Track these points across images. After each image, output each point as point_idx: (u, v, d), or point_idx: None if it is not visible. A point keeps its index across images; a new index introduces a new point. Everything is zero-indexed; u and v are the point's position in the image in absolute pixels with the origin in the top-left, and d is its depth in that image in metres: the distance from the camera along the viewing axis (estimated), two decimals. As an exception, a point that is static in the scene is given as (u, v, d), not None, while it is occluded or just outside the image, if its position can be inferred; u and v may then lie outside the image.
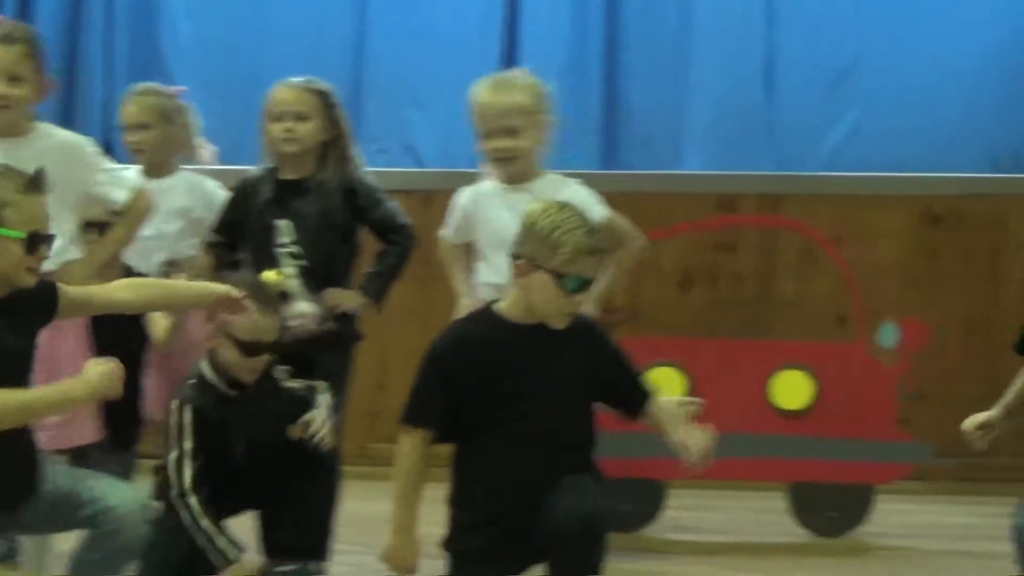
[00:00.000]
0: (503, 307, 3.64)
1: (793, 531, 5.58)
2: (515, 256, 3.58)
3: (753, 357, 5.99)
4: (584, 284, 3.61)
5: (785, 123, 7.84)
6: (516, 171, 4.54)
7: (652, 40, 7.82)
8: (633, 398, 3.69)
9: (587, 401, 3.60)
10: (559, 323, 3.61)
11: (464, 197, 4.83)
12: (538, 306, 3.56)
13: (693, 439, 3.61)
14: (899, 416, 5.73)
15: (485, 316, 3.70)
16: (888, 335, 5.65)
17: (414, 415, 3.56)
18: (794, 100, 7.74)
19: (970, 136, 7.56)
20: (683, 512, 5.70)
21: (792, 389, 5.72)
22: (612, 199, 5.25)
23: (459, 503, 3.52)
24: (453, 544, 3.48)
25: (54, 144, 4.19)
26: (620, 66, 7.79)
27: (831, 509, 5.75)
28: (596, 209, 4.38)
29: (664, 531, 5.50)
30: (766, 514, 5.77)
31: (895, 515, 5.70)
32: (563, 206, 3.69)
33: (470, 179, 5.28)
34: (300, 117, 4.34)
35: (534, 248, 3.55)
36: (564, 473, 3.51)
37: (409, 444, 3.55)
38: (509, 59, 7.76)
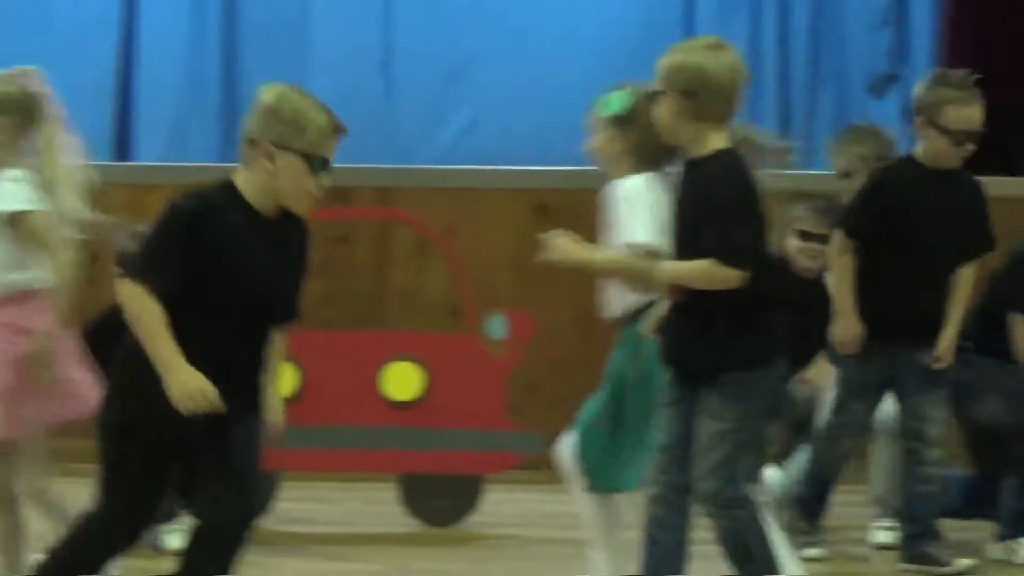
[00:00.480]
0: (242, 187, 3.67)
1: (404, 521, 5.63)
2: (252, 141, 3.64)
3: (364, 349, 6.07)
4: (328, 164, 3.73)
5: (401, 117, 8.02)
6: None
7: (271, 32, 7.93)
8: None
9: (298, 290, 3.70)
10: (303, 207, 3.69)
11: None
12: (285, 189, 3.61)
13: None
14: (509, 406, 5.91)
15: (228, 191, 3.69)
16: (496, 327, 5.79)
17: (145, 268, 3.53)
18: (410, 94, 7.92)
19: (582, 131, 8.00)
20: (294, 504, 5.66)
21: (402, 380, 5.86)
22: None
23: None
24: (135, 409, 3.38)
25: None
26: (239, 58, 7.87)
27: (441, 498, 5.87)
28: None
29: (275, 523, 5.37)
30: (377, 504, 5.83)
31: (505, 504, 5.86)
32: (299, 89, 3.77)
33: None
34: None
35: (280, 131, 3.62)
36: (262, 356, 3.64)
37: (137, 291, 3.50)
38: (126, 50, 7.69)
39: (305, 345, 5.50)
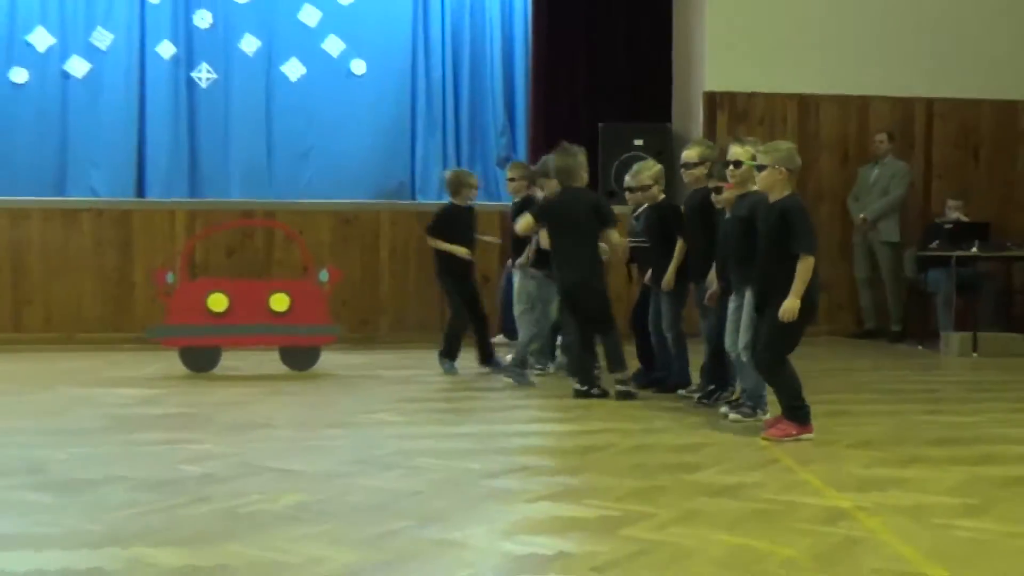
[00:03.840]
0: None
1: (281, 370, 8.70)
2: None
3: (261, 288, 8.87)
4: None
5: (278, 169, 12.09)
6: None
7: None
8: None
9: None
10: None
11: None
12: None
13: None
14: (329, 313, 8.85)
15: None
16: (323, 275, 8.76)
17: (814, 246, 5.89)
18: (283, 158, 12.03)
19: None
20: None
21: (279, 302, 8.63)
22: None
23: None
24: None
25: None
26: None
27: (299, 358, 8.73)
28: None
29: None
30: (269, 360, 8.89)
31: (328, 358, 8.91)
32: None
33: None
34: None
35: None
36: None
37: (811, 261, 5.85)
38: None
39: (231, 287, 8.73)
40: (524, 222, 7.86)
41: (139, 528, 4.34)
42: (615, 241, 7.62)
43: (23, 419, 6.82)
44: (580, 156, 7.71)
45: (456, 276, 8.87)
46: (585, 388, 7.59)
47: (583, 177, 7.71)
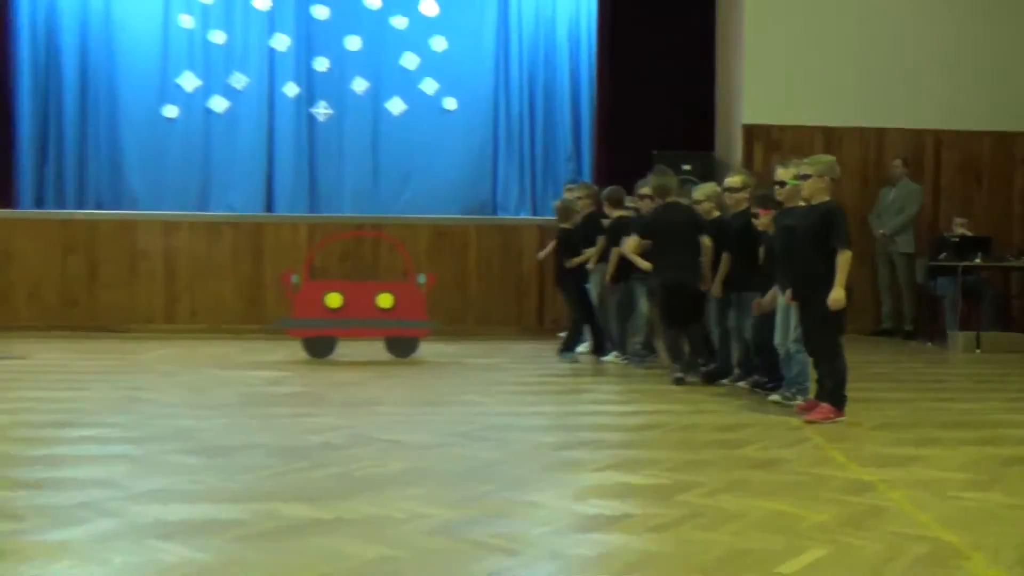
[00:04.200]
0: None
1: (386, 357, 8.75)
2: None
3: (370, 288, 8.83)
4: None
5: (384, 192, 12.22)
6: None
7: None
8: None
9: None
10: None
11: None
12: None
13: None
14: (427, 310, 8.76)
15: None
16: (421, 279, 8.73)
17: (850, 241, 5.72)
18: (388, 180, 12.14)
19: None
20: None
21: (384, 300, 8.61)
22: None
23: None
24: None
25: None
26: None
27: (402, 347, 8.67)
28: None
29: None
30: (373, 348, 8.87)
31: (425, 347, 8.88)
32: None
33: None
34: None
35: None
36: None
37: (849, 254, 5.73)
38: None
39: (345, 287, 8.78)
40: (632, 242, 7.67)
41: (271, 487, 4.39)
42: (707, 245, 7.49)
43: (174, 395, 6.94)
44: (673, 176, 7.66)
45: (578, 281, 8.87)
46: (681, 376, 7.48)
47: (677, 192, 7.66)
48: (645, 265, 7.68)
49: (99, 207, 11.67)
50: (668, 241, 7.49)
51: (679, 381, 7.42)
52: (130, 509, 3.97)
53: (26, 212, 11.26)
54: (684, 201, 7.69)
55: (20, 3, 11.58)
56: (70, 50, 11.76)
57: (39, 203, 11.69)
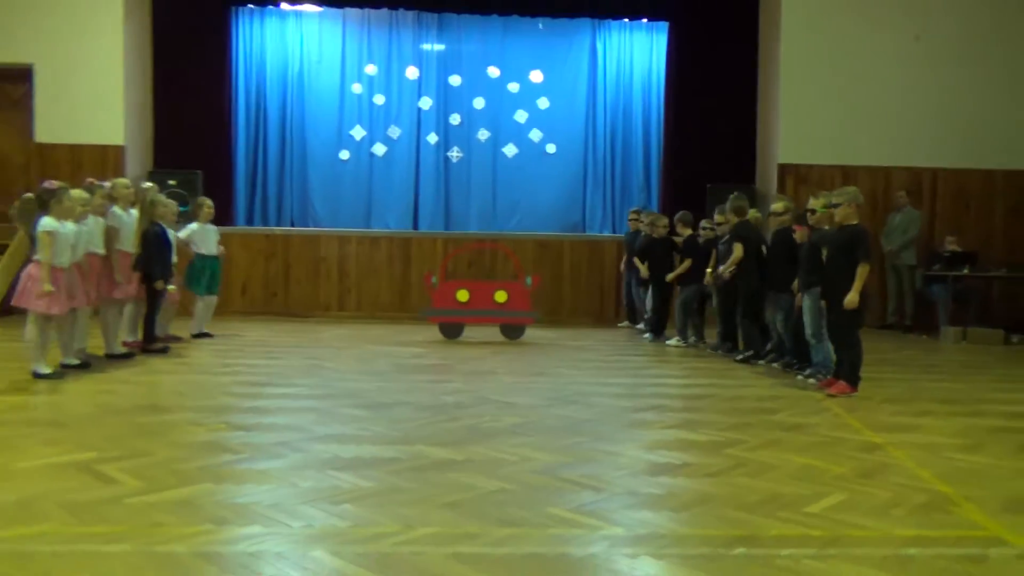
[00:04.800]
0: None
1: (501, 338, 8.58)
2: None
3: (488, 287, 8.56)
4: None
5: (502, 211, 11.97)
6: None
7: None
8: None
9: None
10: None
11: None
12: None
13: None
14: (532, 303, 8.61)
15: None
16: (527, 281, 8.49)
17: (869, 256, 5.17)
18: (509, 202, 11.86)
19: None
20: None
21: (501, 295, 8.39)
22: None
23: None
24: None
25: None
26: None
27: (513, 331, 8.44)
28: None
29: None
30: (489, 332, 8.69)
31: (530, 333, 8.76)
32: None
33: None
34: None
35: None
36: None
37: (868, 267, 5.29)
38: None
39: (471, 286, 8.62)
40: (738, 253, 7.23)
41: (419, 434, 4.40)
42: (739, 255, 7.26)
43: (346, 364, 6.91)
44: (747, 200, 7.47)
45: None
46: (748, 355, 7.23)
47: (749, 213, 7.41)
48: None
49: (292, 224, 11.85)
50: (753, 249, 7.30)
51: (749, 360, 7.19)
52: (314, 447, 4.01)
53: (240, 227, 11.45)
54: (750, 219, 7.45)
55: (238, 74, 11.79)
56: (273, 108, 11.94)
57: (249, 221, 11.91)
